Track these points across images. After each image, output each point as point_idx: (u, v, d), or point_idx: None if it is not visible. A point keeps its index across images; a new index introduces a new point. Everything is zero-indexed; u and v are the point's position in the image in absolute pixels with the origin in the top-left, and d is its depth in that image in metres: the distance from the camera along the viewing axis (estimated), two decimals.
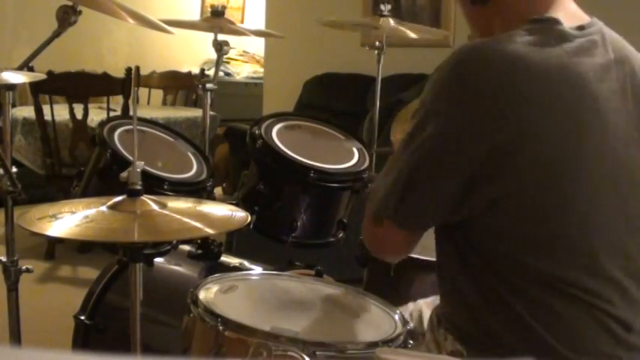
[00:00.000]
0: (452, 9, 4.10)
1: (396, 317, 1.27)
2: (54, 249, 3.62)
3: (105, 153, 1.74)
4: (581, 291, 1.05)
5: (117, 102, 3.91)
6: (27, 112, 3.88)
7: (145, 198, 1.22)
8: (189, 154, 1.94)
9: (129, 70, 3.76)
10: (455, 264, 1.14)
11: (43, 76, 2.01)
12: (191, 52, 6.27)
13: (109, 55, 5.94)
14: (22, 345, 1.79)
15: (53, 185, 3.69)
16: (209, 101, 2.15)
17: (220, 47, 2.12)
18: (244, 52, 6.68)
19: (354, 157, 1.94)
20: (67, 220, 1.16)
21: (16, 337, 1.75)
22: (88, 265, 3.46)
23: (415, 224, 1.15)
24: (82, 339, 1.77)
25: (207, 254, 1.79)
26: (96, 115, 3.79)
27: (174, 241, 1.66)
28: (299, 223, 1.85)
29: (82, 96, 3.65)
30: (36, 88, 3.51)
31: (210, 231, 1.22)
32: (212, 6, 2.23)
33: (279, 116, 2.01)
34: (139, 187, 1.21)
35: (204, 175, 1.87)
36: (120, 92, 3.71)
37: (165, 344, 1.62)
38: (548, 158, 1.03)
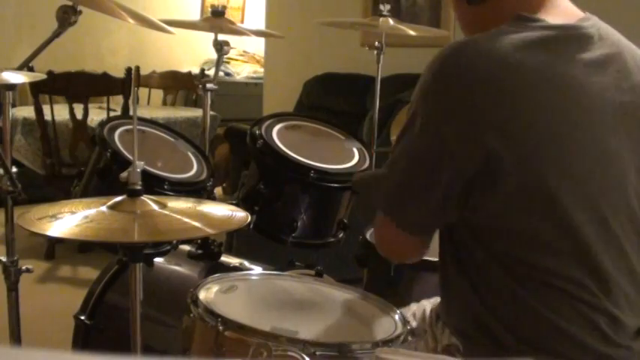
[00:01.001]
0: (451, 9, 4.10)
1: (396, 317, 1.27)
2: (54, 249, 3.62)
3: (105, 153, 1.74)
4: (575, 286, 1.06)
5: (117, 102, 3.91)
6: (27, 112, 3.89)
7: (145, 198, 1.22)
8: (190, 154, 1.93)
9: (129, 70, 3.76)
10: (454, 259, 1.14)
11: (43, 76, 2.00)
12: (191, 52, 6.28)
13: (109, 55, 5.94)
14: (22, 345, 1.79)
15: (53, 185, 3.68)
16: (209, 101, 2.15)
17: (220, 47, 2.12)
18: (244, 52, 6.68)
19: (354, 157, 1.94)
20: (67, 220, 1.16)
21: (16, 337, 1.75)
22: (88, 265, 3.47)
23: (418, 228, 1.16)
24: (82, 339, 1.77)
25: (207, 254, 1.79)
26: (96, 115, 3.79)
27: (174, 241, 1.66)
28: (299, 223, 1.85)
29: (82, 96, 3.65)
30: (36, 88, 3.51)
31: (210, 231, 1.22)
32: (212, 6, 2.23)
33: (279, 116, 2.01)
34: (139, 187, 1.21)
35: (204, 175, 1.87)
36: (120, 92, 3.71)
37: (165, 344, 1.62)
38: (534, 155, 1.03)
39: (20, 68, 1.67)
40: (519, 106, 1.03)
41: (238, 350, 1.12)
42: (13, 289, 1.72)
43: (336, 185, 1.87)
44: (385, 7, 2.34)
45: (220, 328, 1.14)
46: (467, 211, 1.08)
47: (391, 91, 3.40)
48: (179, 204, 1.29)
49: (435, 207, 1.10)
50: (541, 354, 1.05)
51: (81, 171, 1.87)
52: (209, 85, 2.12)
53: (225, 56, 2.20)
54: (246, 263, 1.81)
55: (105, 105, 3.86)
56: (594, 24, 1.12)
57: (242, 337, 1.12)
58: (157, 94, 5.36)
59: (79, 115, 3.65)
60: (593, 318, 1.06)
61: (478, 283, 1.10)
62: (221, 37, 2.14)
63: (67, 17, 1.53)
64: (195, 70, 5.33)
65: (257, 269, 1.74)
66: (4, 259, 1.71)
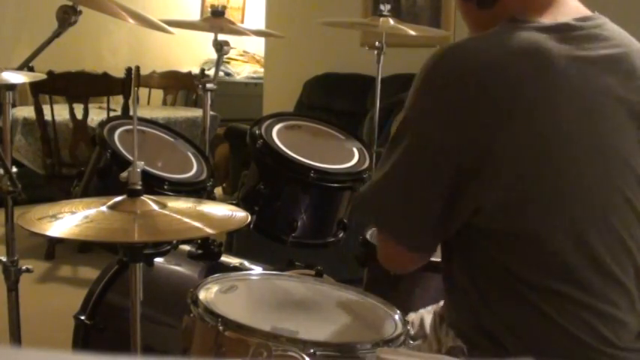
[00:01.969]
0: (452, 9, 4.10)
1: (396, 317, 1.27)
2: (54, 249, 3.62)
3: (105, 153, 1.74)
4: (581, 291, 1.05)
5: (117, 102, 3.91)
6: (27, 112, 3.89)
7: (145, 198, 1.22)
8: (190, 154, 1.93)
9: (129, 70, 3.76)
10: (459, 262, 1.14)
11: (43, 76, 2.00)
12: (191, 52, 6.28)
13: (109, 55, 5.94)
14: (22, 345, 1.79)
15: (53, 185, 3.68)
16: (209, 101, 2.15)
17: (220, 47, 2.12)
18: (244, 52, 6.68)
19: (354, 157, 1.94)
20: (67, 220, 1.16)
21: (16, 337, 1.75)
22: (88, 265, 3.46)
23: (419, 246, 1.17)
24: (82, 339, 1.77)
25: (207, 254, 1.79)
26: (96, 115, 3.79)
27: (174, 241, 1.66)
28: (299, 223, 1.85)
29: (82, 96, 3.65)
30: (36, 88, 3.51)
31: (210, 231, 1.22)
32: (212, 6, 2.23)
33: (279, 116, 2.01)
34: (139, 187, 1.21)
35: (204, 175, 1.87)
36: (120, 92, 3.71)
37: (165, 344, 1.62)
38: (529, 160, 1.03)
39: (20, 68, 1.67)
40: (505, 107, 1.02)
41: (238, 350, 1.12)
42: (13, 289, 1.72)
43: (336, 185, 1.87)
44: (385, 7, 2.34)
45: (220, 328, 1.14)
46: (469, 214, 1.07)
47: (391, 91, 3.40)
48: (179, 204, 1.29)
49: (435, 222, 1.10)
50: (544, 356, 1.05)
51: (81, 171, 1.87)
52: (209, 85, 2.12)
53: (225, 56, 2.20)
54: (246, 263, 1.81)
55: (105, 105, 3.86)
56: (599, 24, 1.11)
57: (242, 337, 1.12)
58: (157, 94, 5.36)
59: (79, 115, 3.65)
60: (596, 321, 1.06)
61: (482, 285, 1.10)
62: (221, 37, 2.14)
63: (67, 17, 1.53)
64: (195, 70, 5.33)
65: (257, 269, 1.74)
66: (4, 259, 1.71)
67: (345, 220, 1.94)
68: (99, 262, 2.21)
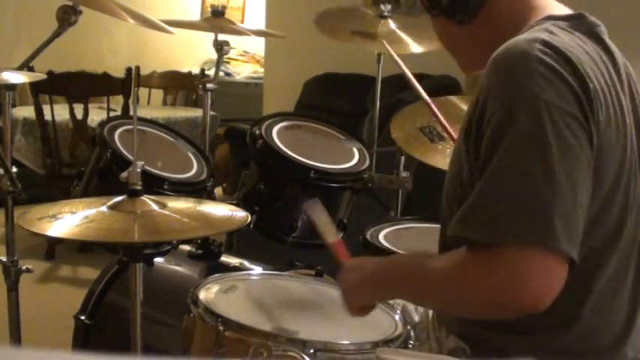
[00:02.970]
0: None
1: (396, 317, 1.27)
2: (54, 249, 3.62)
3: (105, 153, 1.74)
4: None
5: (117, 102, 3.91)
6: (27, 112, 3.88)
7: (145, 198, 1.22)
8: (190, 154, 1.94)
9: (129, 70, 3.76)
10: None
11: (43, 76, 2.01)
12: (191, 52, 6.27)
13: (109, 55, 5.94)
14: (22, 345, 1.79)
15: (53, 185, 3.68)
16: (209, 101, 2.15)
17: (221, 47, 2.12)
18: (244, 52, 6.67)
19: (354, 157, 1.94)
20: (67, 220, 1.16)
21: (16, 337, 1.75)
22: (88, 265, 3.46)
23: (574, 245, 0.93)
24: (82, 339, 1.77)
25: (208, 254, 1.79)
26: (96, 115, 3.78)
27: (175, 241, 1.66)
28: (299, 223, 1.85)
29: (82, 96, 3.65)
30: (36, 88, 3.51)
31: (210, 231, 1.22)
32: (212, 6, 2.23)
33: (279, 116, 2.01)
34: (139, 187, 1.21)
35: (204, 175, 1.87)
36: (120, 92, 3.71)
37: (165, 344, 1.62)
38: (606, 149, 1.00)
39: (20, 68, 1.67)
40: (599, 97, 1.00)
41: (238, 350, 1.12)
42: (13, 289, 1.72)
43: (336, 185, 1.87)
44: (386, 7, 2.33)
45: (220, 328, 1.14)
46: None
47: (391, 91, 3.39)
48: (179, 204, 1.29)
49: (584, 209, 0.96)
50: (546, 355, 1.05)
51: (81, 171, 1.87)
52: (209, 85, 2.12)
53: (225, 56, 2.20)
54: (246, 263, 1.81)
55: (105, 105, 3.86)
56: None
57: (242, 337, 1.12)
58: (157, 94, 5.36)
59: (79, 115, 3.65)
60: (609, 319, 1.06)
61: None
62: (221, 37, 2.15)
63: (67, 17, 1.53)
64: (196, 70, 5.33)
65: (257, 269, 1.74)
66: (4, 259, 1.71)
67: (345, 220, 1.94)
68: (99, 262, 2.21)
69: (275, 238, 1.89)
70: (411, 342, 1.20)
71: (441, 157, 1.89)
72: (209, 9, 3.62)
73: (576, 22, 1.08)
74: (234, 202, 1.89)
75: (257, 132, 1.86)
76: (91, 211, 1.19)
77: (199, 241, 1.79)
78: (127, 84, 3.69)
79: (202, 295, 1.25)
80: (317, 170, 1.81)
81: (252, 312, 1.26)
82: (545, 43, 0.99)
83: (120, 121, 1.89)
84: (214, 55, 2.17)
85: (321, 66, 4.62)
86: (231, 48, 2.18)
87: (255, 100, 5.42)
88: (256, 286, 1.41)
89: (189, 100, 5.47)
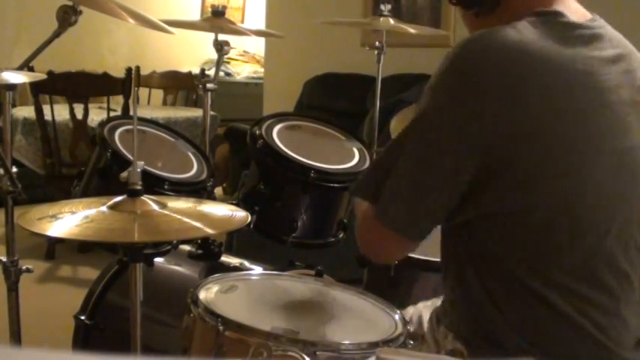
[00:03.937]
0: (452, 9, 4.10)
1: (396, 317, 1.27)
2: (54, 249, 3.62)
3: (105, 153, 1.74)
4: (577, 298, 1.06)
5: (117, 102, 3.91)
6: (27, 112, 3.88)
7: (145, 198, 1.22)
8: (190, 154, 1.94)
9: (129, 70, 3.76)
10: (459, 262, 1.14)
11: (44, 76, 2.00)
12: (191, 52, 6.27)
13: (109, 55, 5.93)
14: (22, 345, 1.79)
15: (53, 185, 3.68)
16: (209, 101, 2.15)
17: (221, 47, 2.12)
18: (244, 52, 6.67)
19: (354, 157, 1.94)
20: (67, 220, 1.16)
21: (16, 337, 1.75)
22: (88, 265, 3.46)
23: (416, 233, 1.12)
24: (82, 339, 1.77)
25: (208, 254, 1.79)
26: (96, 115, 3.79)
27: (175, 241, 1.66)
28: (299, 223, 1.85)
29: (83, 96, 3.65)
30: (36, 88, 3.51)
31: (210, 231, 1.22)
32: (212, 6, 2.23)
33: (279, 116, 2.01)
34: (139, 187, 1.21)
35: (204, 175, 1.87)
36: (120, 92, 3.71)
37: (165, 344, 1.62)
38: (554, 151, 1.02)
39: (20, 68, 1.67)
40: (536, 100, 1.01)
41: (238, 350, 1.12)
42: (13, 289, 1.72)
43: (336, 185, 1.87)
44: (386, 7, 2.34)
45: (220, 328, 1.14)
46: (479, 207, 1.06)
47: (391, 91, 3.40)
48: (179, 204, 1.29)
49: (440, 209, 1.08)
50: (549, 356, 1.05)
51: (81, 171, 1.87)
52: (209, 85, 2.12)
53: (225, 56, 2.20)
54: (246, 263, 1.81)
55: (105, 105, 3.86)
56: (603, 25, 1.13)
57: (242, 337, 1.12)
58: (157, 94, 5.36)
59: (79, 115, 3.65)
60: (606, 321, 1.06)
61: (490, 285, 1.09)
62: (221, 37, 2.14)
63: (67, 17, 1.53)
64: (196, 70, 5.32)
65: (257, 269, 1.74)
66: (4, 259, 1.71)
67: (345, 220, 1.94)
68: (99, 262, 2.21)
69: (275, 238, 1.89)
70: (411, 342, 1.20)
71: None
72: (209, 9, 3.63)
73: (548, 19, 1.07)
74: (234, 202, 1.89)
75: (257, 132, 1.86)
76: (91, 211, 1.19)
77: (199, 241, 1.79)
78: (127, 84, 3.69)
79: (202, 295, 1.25)
80: (317, 170, 1.81)
81: (252, 312, 1.26)
82: (489, 40, 1.03)
83: (120, 121, 1.89)
84: (214, 55, 2.17)
85: (321, 66, 4.62)
86: (231, 48, 2.18)
87: (255, 100, 5.42)
88: (256, 286, 1.41)
89: (189, 100, 5.47)
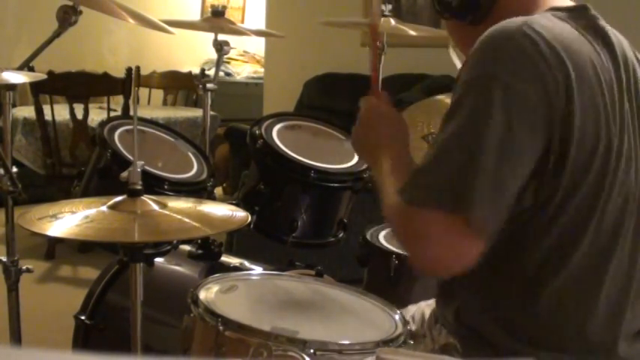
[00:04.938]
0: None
1: (396, 317, 1.27)
2: (54, 249, 3.62)
3: (105, 153, 1.74)
4: None
5: (117, 102, 3.91)
6: (27, 112, 3.89)
7: (145, 198, 1.22)
8: (190, 154, 1.94)
9: (129, 70, 3.76)
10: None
11: (44, 76, 2.00)
12: (191, 52, 6.27)
13: (109, 55, 5.93)
14: (22, 345, 1.79)
15: (53, 185, 3.69)
16: (209, 101, 2.15)
17: (221, 47, 2.12)
18: (244, 52, 6.67)
19: (354, 157, 1.94)
20: (68, 220, 1.16)
21: (16, 337, 1.75)
22: (88, 265, 3.46)
23: (492, 226, 0.99)
24: (83, 339, 1.77)
25: (208, 254, 1.79)
26: (96, 115, 3.79)
27: (175, 241, 1.66)
28: (299, 223, 1.85)
29: (83, 96, 3.65)
30: (36, 88, 3.51)
31: (210, 231, 1.22)
32: (212, 6, 2.23)
33: (279, 116, 2.01)
34: (139, 187, 1.21)
35: (204, 175, 1.87)
36: (120, 92, 3.71)
37: (165, 344, 1.62)
38: (588, 143, 1.00)
39: (20, 68, 1.67)
40: (576, 93, 1.00)
41: (238, 350, 1.12)
42: (13, 289, 1.72)
43: (336, 185, 1.87)
44: (387, 7, 2.34)
45: (220, 328, 1.14)
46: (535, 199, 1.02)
47: (392, 91, 3.39)
48: (179, 204, 1.29)
49: (511, 198, 0.99)
50: (543, 353, 1.05)
51: (81, 171, 1.87)
52: (209, 85, 2.12)
53: (225, 56, 2.20)
54: (246, 263, 1.81)
55: (105, 105, 3.86)
56: (597, 16, 1.12)
57: (242, 337, 1.12)
58: (158, 94, 5.36)
59: (80, 115, 3.65)
60: (610, 320, 1.06)
61: (488, 282, 1.10)
62: (221, 37, 2.14)
63: (67, 17, 1.53)
64: (196, 70, 5.31)
65: (257, 269, 1.74)
66: (4, 259, 1.71)
67: (345, 220, 1.94)
68: (99, 262, 2.21)
69: (275, 238, 1.89)
70: (411, 341, 1.21)
71: None
72: (209, 9, 3.62)
73: (576, 14, 1.08)
74: (234, 202, 1.89)
75: (257, 132, 1.86)
76: (91, 211, 1.19)
77: (199, 241, 1.79)
78: (127, 84, 3.69)
79: (202, 295, 1.25)
80: (317, 170, 1.81)
81: (252, 312, 1.26)
82: (530, 26, 1.00)
83: (120, 121, 1.89)
84: (214, 55, 2.17)
85: (321, 66, 4.62)
86: (231, 48, 2.18)
87: (255, 100, 5.42)
88: (256, 286, 1.41)
89: (190, 100, 5.47)
